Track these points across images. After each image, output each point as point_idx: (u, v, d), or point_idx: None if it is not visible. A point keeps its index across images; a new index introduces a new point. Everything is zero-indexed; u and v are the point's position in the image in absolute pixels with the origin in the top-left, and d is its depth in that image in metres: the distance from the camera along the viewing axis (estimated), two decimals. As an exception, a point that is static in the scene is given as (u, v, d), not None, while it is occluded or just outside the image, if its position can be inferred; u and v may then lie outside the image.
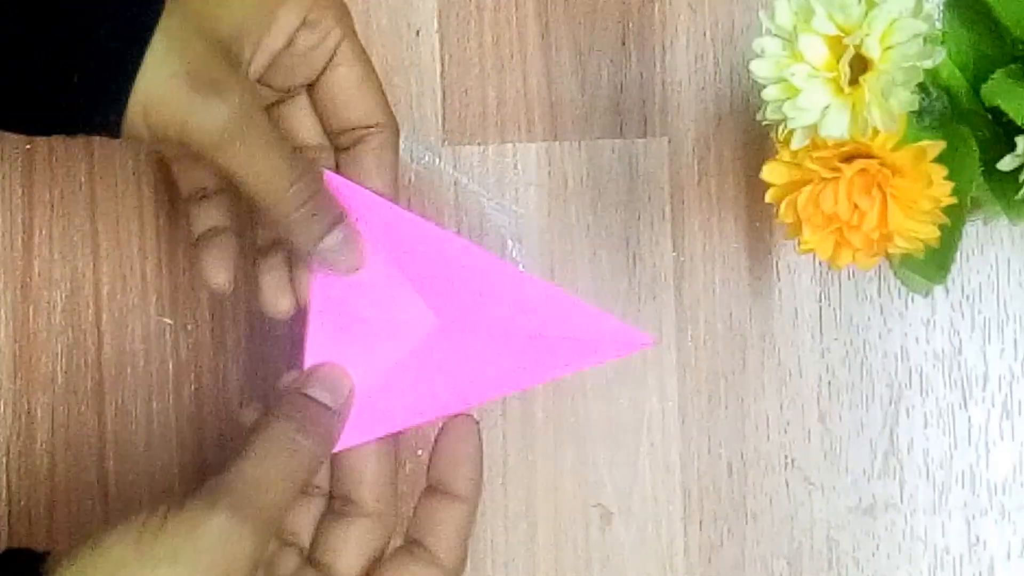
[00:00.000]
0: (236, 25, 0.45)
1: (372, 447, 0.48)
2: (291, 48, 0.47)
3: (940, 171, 0.45)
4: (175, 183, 0.52)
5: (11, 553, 0.42)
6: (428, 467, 0.48)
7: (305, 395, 0.46)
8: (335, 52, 0.48)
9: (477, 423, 0.48)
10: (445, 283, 0.48)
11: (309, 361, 0.48)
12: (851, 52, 0.43)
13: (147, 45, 0.41)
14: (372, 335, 0.48)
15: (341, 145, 0.50)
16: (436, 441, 0.48)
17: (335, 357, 0.48)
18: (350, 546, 0.46)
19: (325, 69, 0.48)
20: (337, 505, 0.48)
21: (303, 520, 0.48)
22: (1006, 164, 0.46)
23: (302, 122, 0.50)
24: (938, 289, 0.58)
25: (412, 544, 0.47)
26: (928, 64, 0.42)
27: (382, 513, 0.47)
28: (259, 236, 0.51)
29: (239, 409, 0.54)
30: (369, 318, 0.48)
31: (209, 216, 0.51)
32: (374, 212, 0.48)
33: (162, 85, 0.42)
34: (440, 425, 0.48)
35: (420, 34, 0.59)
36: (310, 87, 0.50)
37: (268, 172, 0.44)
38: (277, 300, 0.49)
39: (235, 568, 0.41)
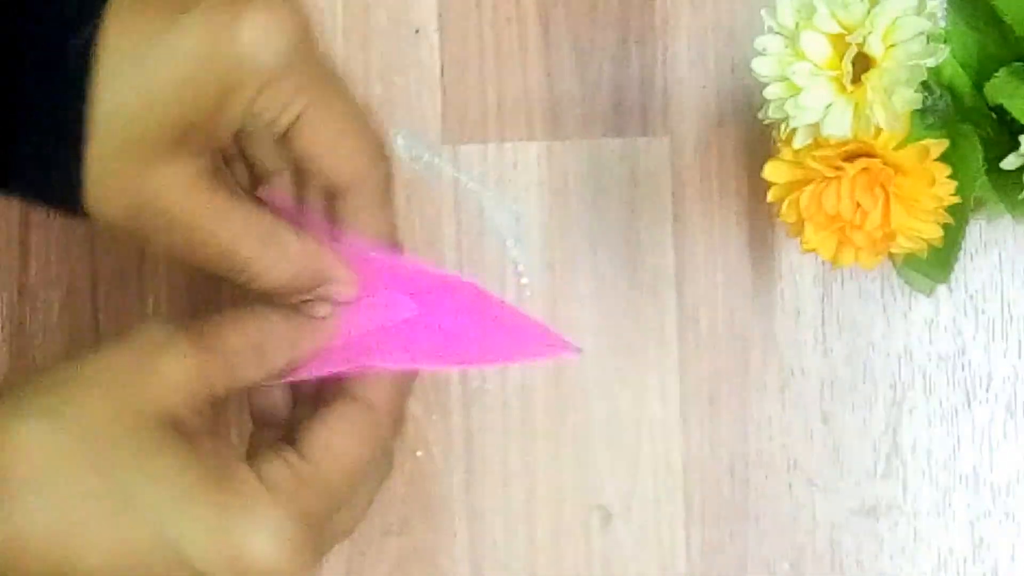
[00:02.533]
0: (180, 118, 0.39)
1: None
2: (251, 119, 0.41)
3: (943, 170, 0.45)
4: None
5: None
6: None
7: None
8: (299, 118, 0.41)
9: None
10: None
11: None
12: (854, 50, 0.43)
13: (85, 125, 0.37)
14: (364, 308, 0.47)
15: (327, 192, 0.44)
16: None
17: None
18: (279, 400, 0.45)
19: (291, 130, 0.41)
20: None
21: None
22: (1009, 163, 0.46)
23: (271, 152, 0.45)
24: (941, 289, 0.57)
25: (340, 396, 0.43)
26: (931, 62, 0.42)
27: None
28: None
29: None
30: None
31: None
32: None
33: (112, 158, 0.38)
34: None
35: (420, 33, 0.59)
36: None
37: (237, 248, 0.42)
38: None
39: (161, 381, 0.39)
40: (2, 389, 0.38)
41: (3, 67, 0.37)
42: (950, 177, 0.45)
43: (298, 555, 0.38)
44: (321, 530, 0.40)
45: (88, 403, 0.38)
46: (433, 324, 0.48)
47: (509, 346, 0.49)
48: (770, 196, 0.47)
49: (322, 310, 0.44)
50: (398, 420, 0.44)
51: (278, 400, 0.45)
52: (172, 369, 0.39)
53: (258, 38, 0.38)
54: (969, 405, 0.58)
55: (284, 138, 0.42)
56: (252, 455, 0.41)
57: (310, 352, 0.44)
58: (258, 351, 0.42)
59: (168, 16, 0.37)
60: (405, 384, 0.45)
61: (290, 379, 0.45)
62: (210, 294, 0.59)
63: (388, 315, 0.47)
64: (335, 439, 0.41)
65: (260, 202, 0.44)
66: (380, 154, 0.44)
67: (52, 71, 0.37)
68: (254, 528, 0.38)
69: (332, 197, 0.44)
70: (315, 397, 0.45)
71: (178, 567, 0.37)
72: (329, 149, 0.42)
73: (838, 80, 0.43)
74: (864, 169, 0.45)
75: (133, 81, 0.37)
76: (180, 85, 0.38)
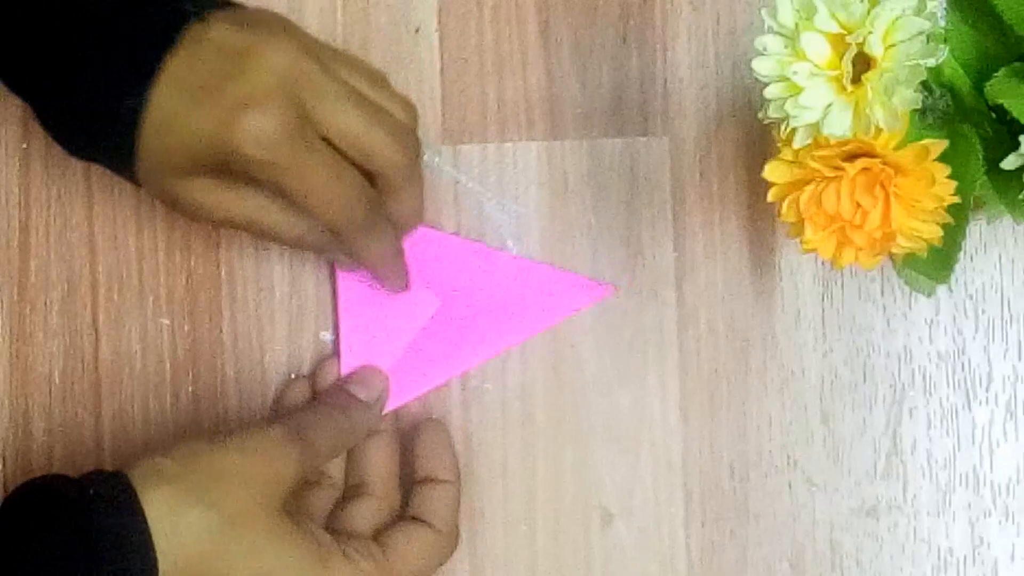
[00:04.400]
0: (191, 169, 0.50)
1: (381, 443, 0.56)
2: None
3: (943, 170, 0.45)
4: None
5: (93, 475, 0.49)
6: (413, 463, 0.56)
7: (345, 390, 0.56)
8: (280, 183, 0.50)
9: (441, 422, 0.58)
10: (445, 275, 0.58)
11: (345, 349, 0.58)
12: (853, 50, 0.43)
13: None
14: (392, 320, 0.58)
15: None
16: (413, 441, 0.57)
17: (366, 343, 0.58)
18: (363, 516, 0.54)
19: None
20: (350, 492, 0.56)
21: (322, 504, 0.56)
22: (1009, 163, 0.46)
23: None
24: (941, 289, 0.57)
25: (414, 519, 0.54)
26: (931, 62, 0.42)
27: (388, 495, 0.55)
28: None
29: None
30: (388, 309, 0.58)
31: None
32: None
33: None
34: (415, 425, 0.57)
35: (420, 32, 0.59)
36: None
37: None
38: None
39: (280, 474, 0.50)
40: (148, 465, 0.49)
41: (77, 100, 0.49)
42: (950, 177, 0.45)
43: None
44: None
45: (237, 496, 0.49)
46: (465, 308, 0.58)
47: (545, 307, 0.58)
48: (770, 196, 0.47)
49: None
50: (456, 541, 0.55)
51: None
52: (288, 469, 0.50)
53: (251, 136, 0.48)
54: (969, 405, 0.58)
55: None
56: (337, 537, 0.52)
57: (360, 440, 0.56)
58: (331, 448, 0.54)
59: (194, 100, 0.48)
60: (458, 503, 0.56)
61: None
62: (210, 294, 0.59)
63: (416, 316, 0.58)
64: (412, 551, 0.53)
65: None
66: (399, 146, 0.51)
67: (114, 112, 0.48)
68: None
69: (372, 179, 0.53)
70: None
71: None
72: (311, 202, 0.50)
73: (838, 80, 0.43)
74: (864, 169, 0.45)
75: (163, 139, 0.49)
76: (192, 153, 0.49)
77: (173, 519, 0.47)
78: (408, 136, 0.52)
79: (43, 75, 0.50)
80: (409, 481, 0.56)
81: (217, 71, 0.48)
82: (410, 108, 0.54)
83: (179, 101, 0.48)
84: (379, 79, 0.53)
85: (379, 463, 0.56)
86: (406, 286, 0.57)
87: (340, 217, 0.51)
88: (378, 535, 0.53)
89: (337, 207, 0.51)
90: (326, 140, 0.50)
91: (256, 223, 0.52)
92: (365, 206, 0.52)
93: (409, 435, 0.57)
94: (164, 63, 0.48)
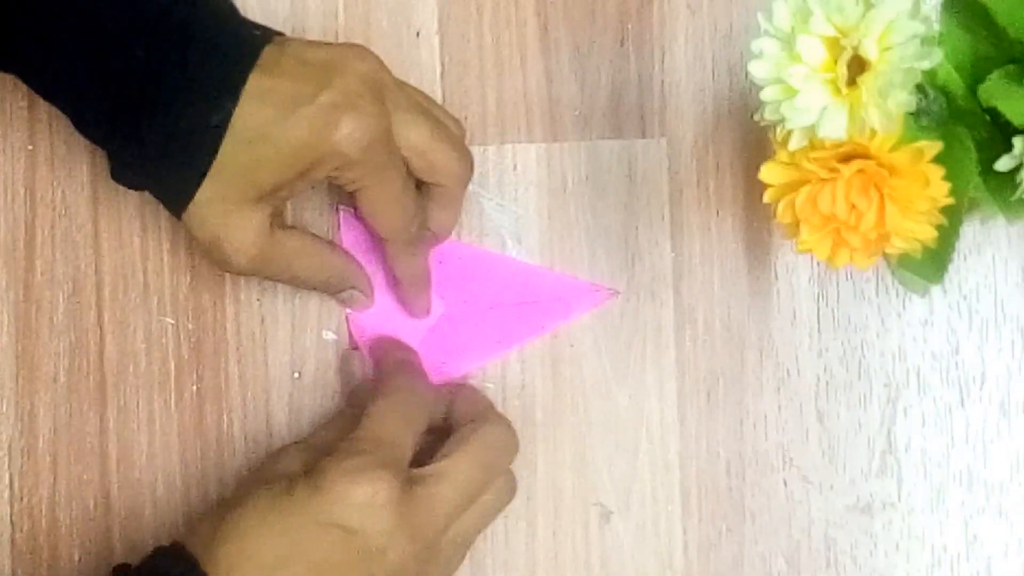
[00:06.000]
0: (273, 180, 0.51)
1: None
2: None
3: (937, 171, 0.45)
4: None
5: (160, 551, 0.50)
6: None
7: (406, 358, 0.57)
8: (362, 186, 0.52)
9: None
10: (451, 280, 0.59)
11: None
12: (849, 53, 0.43)
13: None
14: (397, 323, 0.59)
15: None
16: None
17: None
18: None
19: (357, 193, 0.53)
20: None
21: None
22: (1003, 164, 0.46)
23: None
24: (936, 289, 0.58)
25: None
26: (925, 65, 0.42)
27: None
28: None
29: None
30: (394, 312, 0.59)
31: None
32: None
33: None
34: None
35: (420, 35, 0.59)
36: None
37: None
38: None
39: (386, 504, 0.49)
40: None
41: (166, 114, 0.50)
42: (944, 178, 0.45)
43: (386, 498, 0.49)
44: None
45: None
46: (468, 312, 0.59)
47: (546, 312, 0.59)
48: (766, 197, 0.47)
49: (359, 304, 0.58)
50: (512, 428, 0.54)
51: None
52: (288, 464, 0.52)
53: (349, 136, 0.50)
54: (963, 404, 0.58)
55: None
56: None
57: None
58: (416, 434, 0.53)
59: (287, 108, 0.49)
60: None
61: None
62: (213, 293, 0.59)
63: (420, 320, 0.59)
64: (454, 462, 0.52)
65: (304, 233, 0.56)
66: (461, 158, 0.54)
67: (198, 128, 0.50)
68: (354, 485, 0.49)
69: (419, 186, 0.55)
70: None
71: (340, 533, 0.48)
72: (384, 208, 0.53)
73: (833, 83, 0.43)
74: (859, 171, 0.45)
75: (251, 151, 0.50)
76: (282, 159, 0.50)
77: None
78: (466, 151, 0.55)
79: (121, 102, 0.50)
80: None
81: (305, 80, 0.50)
82: (459, 124, 0.57)
83: (268, 113, 0.50)
84: (428, 97, 0.56)
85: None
86: (427, 312, 0.59)
87: (398, 226, 0.54)
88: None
89: (400, 216, 0.53)
90: None
91: (288, 269, 0.54)
92: (416, 221, 0.54)
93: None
94: (248, 80, 0.50)
